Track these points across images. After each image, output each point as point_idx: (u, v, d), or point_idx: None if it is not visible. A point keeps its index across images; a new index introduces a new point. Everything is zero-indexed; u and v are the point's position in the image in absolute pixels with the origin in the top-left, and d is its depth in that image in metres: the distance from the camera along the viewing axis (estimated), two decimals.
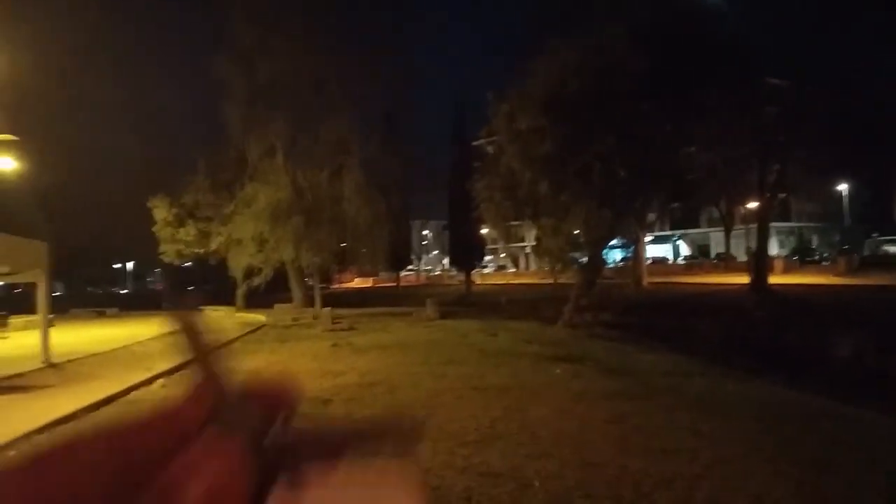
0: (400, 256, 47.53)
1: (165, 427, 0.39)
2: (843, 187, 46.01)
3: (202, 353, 0.39)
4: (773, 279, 29.35)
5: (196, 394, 0.39)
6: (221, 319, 26.43)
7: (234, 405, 0.38)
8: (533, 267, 53.28)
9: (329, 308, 23.92)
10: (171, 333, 0.41)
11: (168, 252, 33.66)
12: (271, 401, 0.39)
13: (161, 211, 32.70)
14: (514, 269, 68.04)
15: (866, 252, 43.95)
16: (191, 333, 0.39)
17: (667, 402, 7.90)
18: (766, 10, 21.10)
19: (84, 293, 72.23)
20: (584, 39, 18.01)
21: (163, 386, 10.14)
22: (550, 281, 23.99)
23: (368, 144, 29.47)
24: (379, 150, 29.95)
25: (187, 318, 0.40)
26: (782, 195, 35.05)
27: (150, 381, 10.45)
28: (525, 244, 58.03)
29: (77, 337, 18.55)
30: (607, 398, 8.01)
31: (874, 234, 49.85)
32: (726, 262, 44.12)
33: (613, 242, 23.54)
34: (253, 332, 19.80)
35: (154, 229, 33.30)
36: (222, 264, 32.26)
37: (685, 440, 6.14)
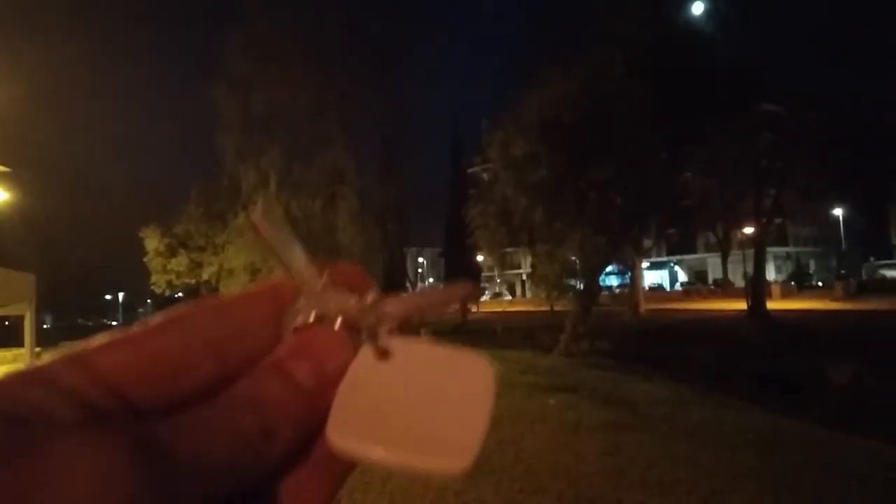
0: (395, 285, 47.24)
1: (272, 300, 0.38)
2: (838, 212, 46.05)
3: (281, 244, 0.38)
4: (771, 304, 29.20)
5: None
6: None
7: (322, 289, 0.38)
8: (529, 294, 53.05)
9: None
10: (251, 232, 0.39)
11: (159, 282, 33.35)
12: (350, 281, 0.39)
13: (152, 241, 32.48)
14: (510, 297, 67.81)
15: (864, 276, 43.89)
16: (269, 230, 0.38)
17: (663, 432, 7.71)
18: (760, 37, 21.28)
19: (74, 324, 71.63)
20: (580, 66, 18.04)
21: None
22: (547, 308, 23.78)
23: (364, 172, 29.49)
24: (374, 177, 29.99)
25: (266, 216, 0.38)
26: (778, 220, 35.07)
27: None
28: (521, 271, 57.91)
29: None
30: (603, 429, 7.78)
31: (871, 259, 49.86)
32: (724, 288, 43.99)
33: (610, 269, 23.37)
34: None
35: (145, 259, 33.03)
36: (214, 295, 31.88)
37: (682, 472, 5.96)
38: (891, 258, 48.93)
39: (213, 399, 0.32)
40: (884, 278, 41.88)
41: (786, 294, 37.82)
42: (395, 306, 0.39)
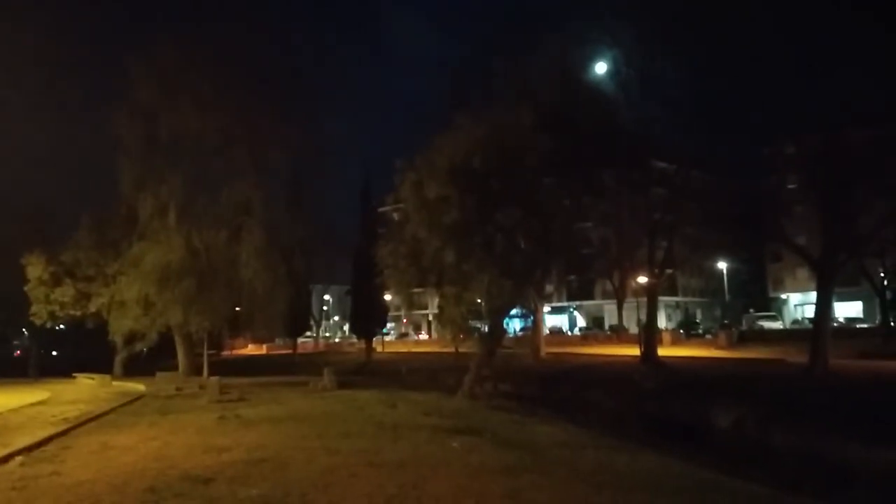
0: (298, 322, 46.01)
1: None
2: (723, 265, 49.35)
3: None
4: (662, 351, 30.57)
5: None
6: (95, 389, 24.28)
7: None
8: (435, 335, 53.09)
9: (217, 377, 22.55)
10: None
11: (40, 313, 30.97)
12: None
13: (35, 269, 30.18)
14: (416, 337, 67.59)
15: (744, 326, 46.87)
16: None
17: (562, 475, 7.87)
18: (655, 100, 22.80)
19: None
20: (490, 116, 18.66)
21: (22, 464, 8.93)
22: (452, 349, 23.91)
23: (272, 206, 28.82)
24: (283, 212, 29.36)
25: None
26: (669, 271, 37.13)
27: (6, 459, 9.22)
28: (427, 311, 58.03)
29: None
30: (504, 472, 7.86)
31: (750, 310, 53.53)
32: (619, 334, 45.76)
33: (514, 312, 23.88)
34: (130, 403, 18.25)
35: (26, 289, 30.60)
36: (102, 328, 29.91)
37: None
38: (768, 310, 52.83)
39: None
40: (762, 328, 44.91)
41: (675, 341, 39.75)
42: None
